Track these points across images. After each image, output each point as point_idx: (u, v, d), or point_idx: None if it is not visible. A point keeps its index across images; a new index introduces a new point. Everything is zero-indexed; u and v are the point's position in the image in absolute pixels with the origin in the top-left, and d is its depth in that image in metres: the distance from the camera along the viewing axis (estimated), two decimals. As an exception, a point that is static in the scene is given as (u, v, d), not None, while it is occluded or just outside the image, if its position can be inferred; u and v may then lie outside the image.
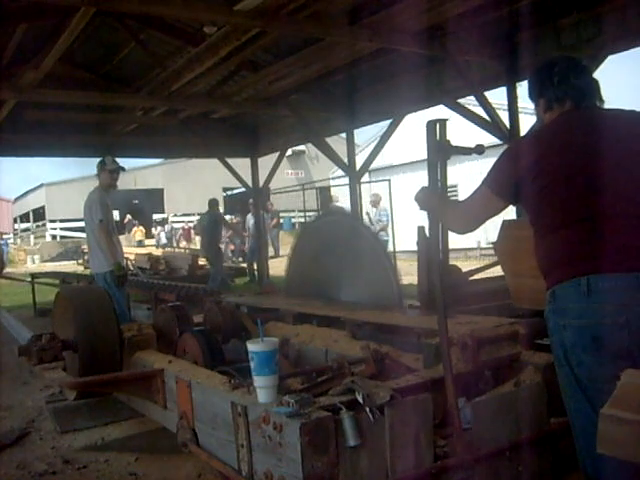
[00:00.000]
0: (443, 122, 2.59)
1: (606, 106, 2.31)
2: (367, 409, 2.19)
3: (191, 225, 27.94)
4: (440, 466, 2.30)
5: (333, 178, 22.07)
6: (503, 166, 2.30)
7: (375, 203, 12.41)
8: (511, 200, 2.29)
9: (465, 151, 2.74)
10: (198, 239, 25.01)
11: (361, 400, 2.23)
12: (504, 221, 3.34)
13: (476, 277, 4.16)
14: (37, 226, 36.16)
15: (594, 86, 2.28)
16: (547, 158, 2.16)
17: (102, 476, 3.41)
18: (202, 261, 12.23)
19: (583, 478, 2.18)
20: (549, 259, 2.20)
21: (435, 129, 2.56)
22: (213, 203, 11.12)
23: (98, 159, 6.31)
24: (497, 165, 2.34)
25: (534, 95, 2.38)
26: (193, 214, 29.42)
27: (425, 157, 2.58)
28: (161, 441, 3.66)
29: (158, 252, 14.51)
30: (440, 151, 2.74)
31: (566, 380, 2.15)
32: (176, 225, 29.77)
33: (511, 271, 3.33)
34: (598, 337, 2.02)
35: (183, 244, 25.05)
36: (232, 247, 20.43)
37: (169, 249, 19.29)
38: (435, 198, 2.56)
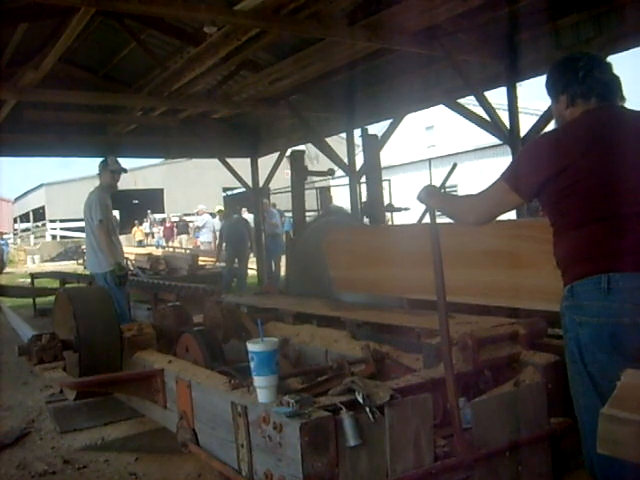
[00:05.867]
0: (301, 153, 3.65)
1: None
2: (367, 409, 2.20)
3: (175, 222, 25.89)
4: (440, 466, 2.30)
5: (333, 178, 22.09)
6: (524, 163, 2.27)
7: None
8: (529, 197, 2.25)
9: (319, 174, 4.26)
10: (185, 238, 24.27)
11: (361, 400, 2.23)
12: (331, 230, 4.69)
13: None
14: (37, 226, 36.15)
15: (617, 83, 2.25)
16: (572, 157, 2.13)
17: (102, 476, 3.41)
18: (202, 261, 12.23)
19: (584, 478, 2.18)
20: (569, 256, 2.19)
21: (297, 157, 3.73)
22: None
23: (98, 159, 6.32)
24: (517, 161, 2.32)
25: (556, 90, 2.31)
26: (193, 214, 29.24)
27: (424, 157, 2.61)
28: (161, 441, 3.66)
29: (158, 252, 14.51)
30: (300, 173, 3.99)
31: (578, 377, 2.15)
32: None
33: (333, 265, 4.55)
34: (616, 336, 2.02)
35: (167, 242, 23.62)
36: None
37: (169, 249, 19.23)
38: (439, 194, 2.55)
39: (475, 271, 3.48)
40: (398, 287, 4.04)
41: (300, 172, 5.62)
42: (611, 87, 2.23)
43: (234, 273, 10.54)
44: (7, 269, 20.93)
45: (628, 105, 2.29)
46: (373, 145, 7.29)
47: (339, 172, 9.67)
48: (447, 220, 2.78)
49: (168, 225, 26.11)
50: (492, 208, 2.35)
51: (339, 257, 4.55)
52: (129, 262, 11.78)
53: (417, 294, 3.83)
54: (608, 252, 2.08)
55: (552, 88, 2.34)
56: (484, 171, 18.36)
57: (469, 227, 2.65)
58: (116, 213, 7.25)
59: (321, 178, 24.20)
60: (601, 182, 2.10)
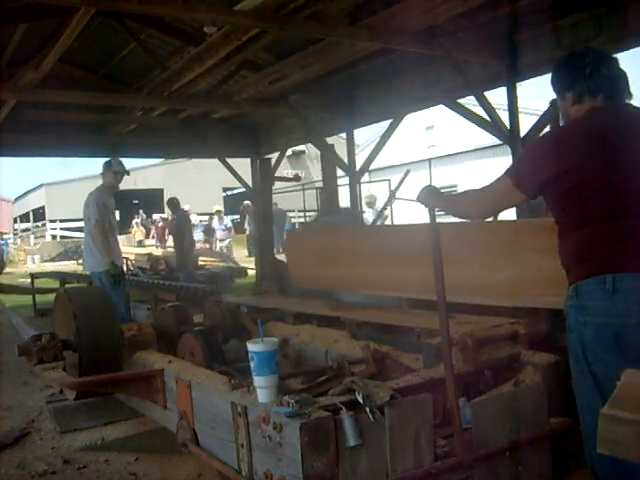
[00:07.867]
0: (268, 160, 4.30)
1: None
2: (367, 409, 2.19)
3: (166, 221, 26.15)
4: (440, 466, 2.30)
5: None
6: (527, 161, 2.26)
7: (371, 204, 12.38)
8: (532, 195, 2.24)
9: (285, 179, 5.09)
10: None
11: (361, 400, 2.23)
12: (292, 231, 5.87)
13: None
14: (37, 226, 36.14)
15: (624, 79, 2.23)
16: (576, 158, 2.11)
17: (102, 476, 3.41)
18: (202, 261, 12.25)
19: (584, 478, 2.18)
20: (574, 255, 2.18)
21: (264, 164, 6.74)
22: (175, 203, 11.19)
23: (97, 159, 6.34)
24: (521, 159, 2.31)
25: (562, 87, 2.27)
26: (192, 214, 29.08)
27: (424, 157, 2.62)
28: (161, 441, 3.66)
29: (158, 252, 14.51)
30: (268, 179, 6.18)
31: (581, 376, 2.15)
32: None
33: (292, 262, 5.30)
34: (620, 336, 2.02)
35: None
36: (207, 246, 18.92)
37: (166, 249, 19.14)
38: (439, 194, 2.55)
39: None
40: (357, 284, 4.48)
41: (268, 178, 6.77)
42: (618, 84, 2.21)
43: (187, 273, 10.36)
44: (7, 269, 20.91)
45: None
46: (330, 154, 8.45)
47: (339, 172, 9.67)
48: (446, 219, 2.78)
49: (160, 225, 25.79)
50: (495, 204, 2.36)
51: (299, 256, 5.15)
52: (129, 262, 11.78)
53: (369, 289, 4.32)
54: (613, 252, 2.07)
55: (558, 85, 2.31)
56: (484, 171, 18.35)
57: (472, 220, 2.66)
58: (116, 213, 7.25)
59: (320, 178, 24.20)
60: (606, 182, 2.08)
